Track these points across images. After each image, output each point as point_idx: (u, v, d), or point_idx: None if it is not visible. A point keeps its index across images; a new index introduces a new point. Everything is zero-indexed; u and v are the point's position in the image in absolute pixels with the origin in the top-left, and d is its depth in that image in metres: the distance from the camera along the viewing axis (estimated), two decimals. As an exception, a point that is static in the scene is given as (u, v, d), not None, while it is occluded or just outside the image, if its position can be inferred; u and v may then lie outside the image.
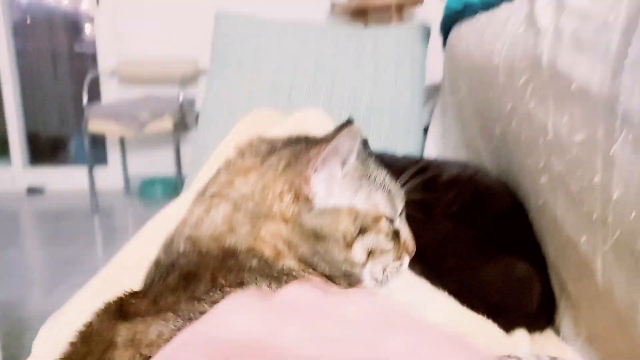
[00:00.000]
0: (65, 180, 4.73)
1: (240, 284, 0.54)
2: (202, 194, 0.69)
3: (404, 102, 1.75)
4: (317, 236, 0.62)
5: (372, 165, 0.70)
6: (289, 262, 0.61)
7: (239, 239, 0.61)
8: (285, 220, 0.62)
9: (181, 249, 0.63)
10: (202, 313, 0.49)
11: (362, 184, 0.66)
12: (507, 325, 0.93)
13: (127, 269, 0.90)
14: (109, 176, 4.66)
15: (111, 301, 0.56)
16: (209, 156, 1.38)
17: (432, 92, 1.92)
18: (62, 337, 0.80)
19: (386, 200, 0.67)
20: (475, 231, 1.06)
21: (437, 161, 1.28)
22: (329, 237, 0.62)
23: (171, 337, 0.46)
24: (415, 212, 0.79)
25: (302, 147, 0.67)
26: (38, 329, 2.19)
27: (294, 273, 0.60)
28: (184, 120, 4.09)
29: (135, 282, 0.72)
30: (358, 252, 0.64)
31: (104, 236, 3.62)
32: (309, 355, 0.33)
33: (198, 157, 1.85)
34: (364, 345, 0.34)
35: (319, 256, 0.62)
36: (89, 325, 0.53)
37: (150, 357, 0.44)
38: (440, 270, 0.99)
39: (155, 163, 4.65)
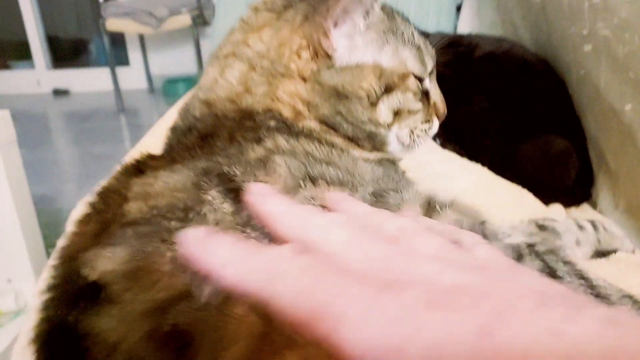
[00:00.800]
0: (89, 81, 4.72)
1: (258, 140, 0.52)
2: (215, 55, 0.65)
3: (434, -22, 1.64)
4: (338, 95, 0.58)
5: (399, 19, 0.64)
6: (309, 122, 0.58)
7: (256, 100, 0.58)
8: (304, 79, 0.59)
9: (197, 113, 0.60)
10: (214, 163, 0.48)
11: (388, 39, 0.61)
12: (543, 201, 0.91)
13: (153, 149, 0.90)
14: (132, 77, 4.63)
15: (129, 162, 0.55)
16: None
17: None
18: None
19: (415, 57, 0.62)
20: (512, 109, 1.01)
21: (471, 36, 1.21)
22: (352, 96, 0.59)
23: (176, 186, 0.45)
24: (451, 92, 0.74)
25: None
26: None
27: (314, 134, 0.57)
28: (202, 15, 3.97)
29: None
30: (383, 111, 0.60)
31: (130, 133, 3.65)
32: None
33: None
34: None
35: (341, 117, 0.59)
36: (107, 185, 0.52)
37: (156, 206, 0.44)
38: (475, 149, 0.96)
39: (176, 62, 4.59)
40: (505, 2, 1.38)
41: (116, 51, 4.34)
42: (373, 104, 0.59)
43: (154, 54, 4.66)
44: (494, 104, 1.02)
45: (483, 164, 0.93)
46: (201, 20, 3.96)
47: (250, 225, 0.41)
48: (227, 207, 0.43)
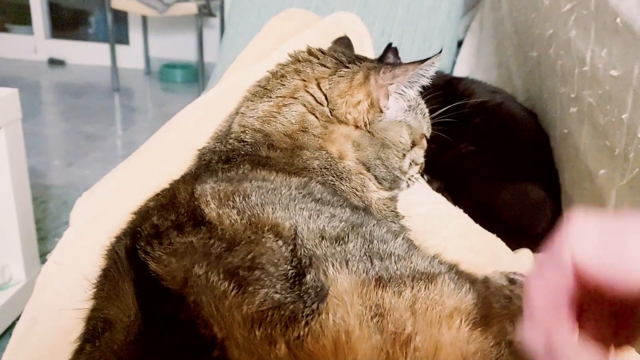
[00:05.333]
0: (86, 55, 4.71)
1: (305, 169, 0.66)
2: (263, 93, 0.75)
3: (441, 13, 1.71)
4: (383, 144, 0.72)
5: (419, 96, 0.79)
6: (349, 162, 0.71)
7: (310, 138, 0.70)
8: (357, 127, 0.71)
9: (247, 138, 0.71)
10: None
11: (415, 108, 0.76)
12: (515, 244, 0.98)
13: (160, 154, 0.95)
14: (130, 56, 4.63)
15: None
16: (238, 49, 1.38)
17: (471, 5, 1.87)
18: (98, 211, 0.86)
19: (426, 124, 0.79)
20: (497, 155, 1.09)
21: (468, 81, 1.28)
22: (393, 146, 0.72)
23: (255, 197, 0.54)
24: (442, 133, 0.85)
25: (378, 64, 0.75)
26: (62, 197, 2.30)
27: (351, 172, 0.70)
28: (208, 6, 3.99)
29: (168, 167, 0.77)
30: (407, 162, 0.75)
31: (123, 115, 3.66)
32: None
33: (227, 49, 1.84)
34: None
35: (380, 161, 0.72)
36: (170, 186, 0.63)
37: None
38: (459, 188, 1.04)
39: (176, 47, 4.61)
40: (504, 48, 1.46)
41: (117, 28, 4.33)
42: (403, 155, 0.74)
43: (155, 36, 4.66)
44: (480, 149, 1.09)
45: (465, 203, 0.99)
46: (207, 10, 3.98)
47: None
48: None
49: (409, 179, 0.79)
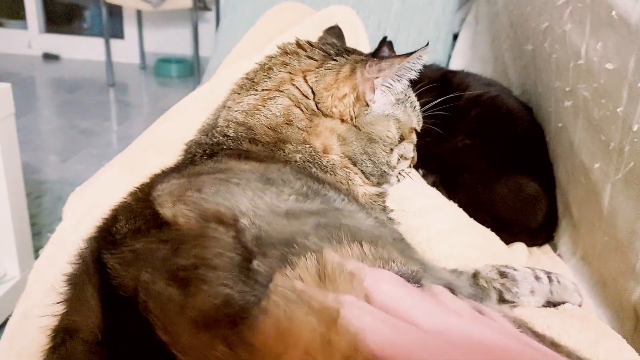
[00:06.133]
0: (81, 49, 4.69)
1: (286, 162, 0.64)
2: (250, 86, 0.74)
3: (437, 6, 1.70)
4: (370, 138, 0.70)
5: (409, 88, 0.77)
6: (334, 157, 0.69)
7: (295, 131, 0.68)
8: (343, 121, 0.70)
9: (230, 132, 0.69)
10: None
11: (405, 101, 0.74)
12: (510, 238, 0.98)
13: (153, 148, 0.94)
14: (125, 50, 4.61)
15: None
16: (233, 42, 1.37)
17: (466, -1, 1.86)
18: (91, 205, 0.86)
19: (416, 117, 0.77)
20: (492, 149, 1.09)
21: (463, 74, 1.28)
22: (380, 141, 0.71)
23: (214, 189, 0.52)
24: (437, 127, 0.85)
25: (366, 57, 0.73)
26: (56, 192, 2.29)
27: (336, 166, 0.69)
28: (203, 0, 3.98)
29: (161, 160, 0.77)
30: (395, 156, 0.74)
31: (118, 110, 3.64)
32: None
33: (221, 42, 1.83)
34: None
35: (367, 155, 0.71)
36: (150, 180, 0.62)
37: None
38: (454, 182, 1.04)
39: (171, 42, 4.59)
40: (500, 42, 1.45)
41: (112, 23, 4.31)
42: (391, 150, 0.72)
43: (150, 30, 4.64)
44: (475, 142, 1.09)
45: (460, 197, 0.99)
46: (202, 4, 3.96)
47: None
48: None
49: (399, 173, 0.78)
